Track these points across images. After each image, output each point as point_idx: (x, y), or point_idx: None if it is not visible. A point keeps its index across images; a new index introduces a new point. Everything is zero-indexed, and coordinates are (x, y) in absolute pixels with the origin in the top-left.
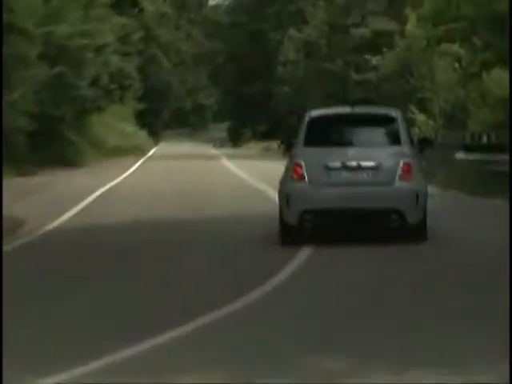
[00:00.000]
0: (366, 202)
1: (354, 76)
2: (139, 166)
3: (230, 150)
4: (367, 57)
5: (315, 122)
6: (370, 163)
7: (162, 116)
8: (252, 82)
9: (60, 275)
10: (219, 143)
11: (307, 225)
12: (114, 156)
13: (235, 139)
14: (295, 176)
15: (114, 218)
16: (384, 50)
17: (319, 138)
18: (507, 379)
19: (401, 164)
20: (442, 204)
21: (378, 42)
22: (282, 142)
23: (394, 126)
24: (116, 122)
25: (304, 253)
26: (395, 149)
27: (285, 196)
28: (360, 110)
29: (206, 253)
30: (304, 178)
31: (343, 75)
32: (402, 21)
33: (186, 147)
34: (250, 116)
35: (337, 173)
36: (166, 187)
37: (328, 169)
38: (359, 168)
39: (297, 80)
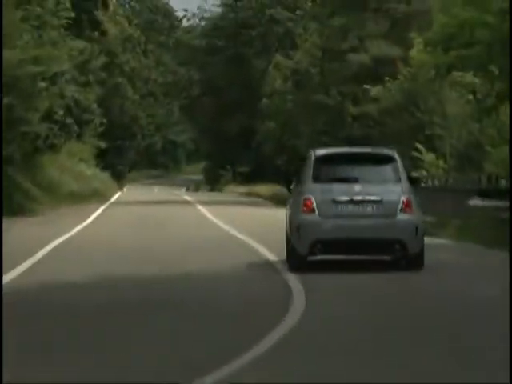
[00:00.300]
0: (371, 232)
1: (352, 109)
2: (99, 214)
3: (206, 195)
4: (366, 87)
5: (321, 160)
6: (374, 198)
7: (127, 155)
8: (232, 116)
9: (6, 346)
10: (194, 187)
11: (317, 253)
12: (71, 202)
13: (213, 182)
14: (306, 209)
15: (68, 277)
16: (386, 78)
17: (326, 175)
18: (507, 379)
19: (401, 199)
20: (456, 260)
21: (378, 70)
22: (288, 184)
23: (393, 165)
24: (73, 163)
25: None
26: (395, 185)
27: (296, 227)
28: (361, 149)
29: (174, 321)
30: (314, 210)
31: (338, 108)
32: (406, 45)
33: (155, 192)
34: (230, 155)
35: (344, 206)
36: (128, 240)
37: (336, 202)
38: (364, 202)
39: (284, 114)
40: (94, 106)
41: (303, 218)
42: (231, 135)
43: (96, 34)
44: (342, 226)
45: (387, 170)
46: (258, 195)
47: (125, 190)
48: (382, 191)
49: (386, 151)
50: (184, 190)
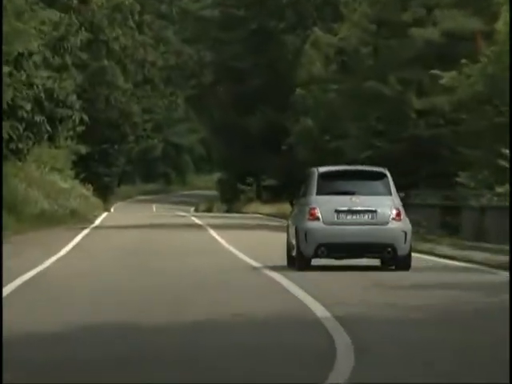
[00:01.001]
0: (367, 238)
1: (415, 102)
2: (78, 242)
3: (222, 218)
4: (435, 72)
5: (324, 176)
6: (370, 208)
7: (116, 164)
8: (255, 110)
9: None
10: (206, 206)
11: (321, 255)
12: (41, 225)
13: (231, 200)
14: (311, 217)
15: (35, 325)
16: (462, 61)
17: (328, 189)
18: (507, 379)
19: (393, 209)
20: None
21: (451, 50)
22: (291, 203)
23: (385, 181)
24: (44, 174)
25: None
26: (387, 198)
27: (303, 233)
28: (357, 167)
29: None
30: (319, 218)
31: (398, 101)
32: (490, 16)
33: (153, 212)
34: (253, 164)
35: (344, 215)
36: (116, 279)
37: (337, 212)
38: (361, 212)
39: (325, 108)
40: (73, 97)
41: (309, 224)
42: (254, 136)
43: (75, 0)
44: (342, 232)
45: (380, 184)
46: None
47: (112, 209)
48: (376, 203)
49: (378, 169)
50: (192, 209)
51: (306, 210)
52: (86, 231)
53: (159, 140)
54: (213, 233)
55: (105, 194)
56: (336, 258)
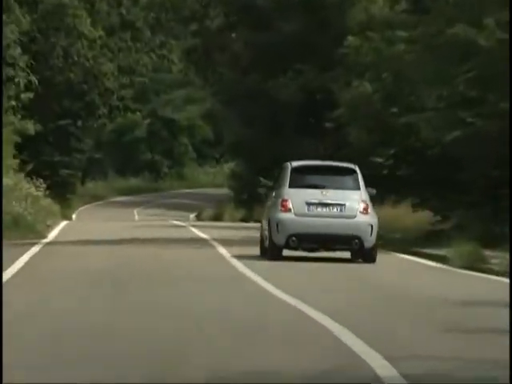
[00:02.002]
0: (335, 229)
1: None
2: (22, 268)
3: (235, 230)
4: None
5: (296, 170)
6: (339, 202)
7: (79, 149)
8: (286, 70)
9: None
10: (213, 211)
11: (292, 245)
12: None
13: (248, 202)
14: (283, 209)
15: None
16: None
17: (300, 182)
18: (507, 379)
19: (361, 203)
20: None
21: None
22: (261, 187)
23: (354, 176)
24: None
25: None
26: (356, 192)
27: (275, 223)
28: (329, 163)
29: None
30: (290, 210)
31: (498, 54)
32: None
33: (133, 221)
34: (282, 149)
35: (314, 207)
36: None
37: (308, 204)
38: (331, 205)
39: (390, 65)
40: (16, 50)
41: (281, 216)
42: (284, 108)
43: None
44: (312, 223)
45: (350, 179)
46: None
47: (75, 216)
48: (345, 196)
49: (349, 165)
50: (192, 216)
51: (278, 201)
52: (34, 249)
53: (144, 114)
54: (224, 252)
55: (63, 194)
56: (307, 250)
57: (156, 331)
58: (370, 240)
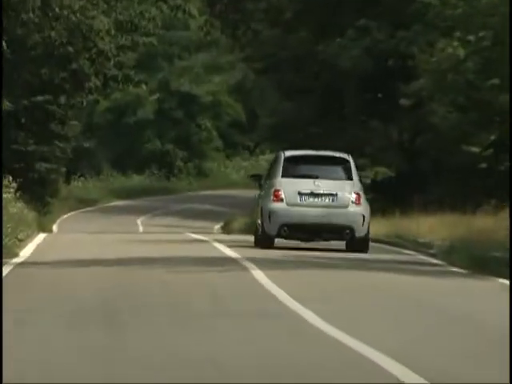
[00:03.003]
0: (327, 219)
1: None
2: None
3: (280, 248)
4: None
5: (289, 160)
6: (331, 192)
7: (62, 136)
8: (345, 28)
9: None
10: (244, 220)
11: (284, 235)
12: None
13: None
14: (275, 198)
15: None
16: None
17: (293, 172)
18: (507, 379)
19: (353, 193)
20: None
21: None
22: (251, 176)
23: (347, 166)
24: None
25: None
26: (349, 182)
27: (267, 213)
28: (322, 152)
29: None
30: (283, 200)
31: None
32: None
33: (136, 234)
34: (343, 134)
35: (307, 197)
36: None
37: (300, 194)
38: (323, 195)
39: (498, 23)
40: None
41: (273, 205)
42: (343, 78)
43: None
44: (304, 213)
45: (342, 170)
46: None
47: (56, 228)
48: (338, 187)
49: (342, 155)
50: (217, 228)
51: (271, 191)
52: (2, 271)
53: (151, 88)
54: (261, 277)
55: (41, 197)
56: (299, 240)
57: None
58: (361, 230)
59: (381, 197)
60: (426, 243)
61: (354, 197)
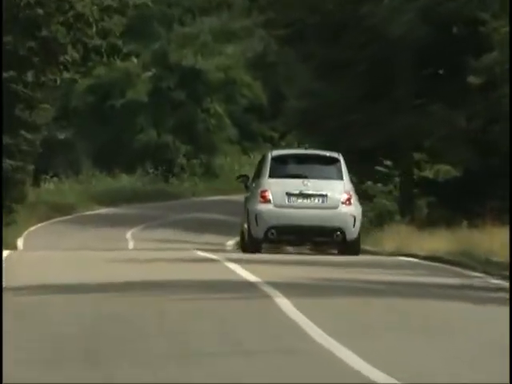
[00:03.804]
0: (316, 221)
1: None
2: None
3: (304, 267)
4: None
5: (277, 159)
6: (321, 192)
7: (27, 124)
8: None
9: None
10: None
11: (272, 238)
12: None
13: None
14: (262, 200)
15: None
16: None
17: (280, 172)
18: (507, 379)
19: (343, 194)
20: None
21: None
22: (238, 178)
23: (337, 166)
24: None
25: None
26: (339, 182)
27: (254, 215)
28: (311, 151)
29: None
30: (270, 201)
31: None
32: None
33: (126, 252)
34: (396, 120)
35: (295, 198)
36: None
37: (289, 195)
38: (312, 195)
39: None
40: None
41: (260, 207)
42: (394, 49)
43: None
44: (293, 215)
45: (332, 169)
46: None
47: (21, 243)
48: (328, 187)
49: (331, 153)
50: (231, 244)
51: (257, 192)
52: None
53: (145, 62)
54: (286, 306)
55: (2, 204)
56: (287, 243)
57: None
58: (352, 232)
59: (443, 203)
60: (500, 263)
61: (344, 197)
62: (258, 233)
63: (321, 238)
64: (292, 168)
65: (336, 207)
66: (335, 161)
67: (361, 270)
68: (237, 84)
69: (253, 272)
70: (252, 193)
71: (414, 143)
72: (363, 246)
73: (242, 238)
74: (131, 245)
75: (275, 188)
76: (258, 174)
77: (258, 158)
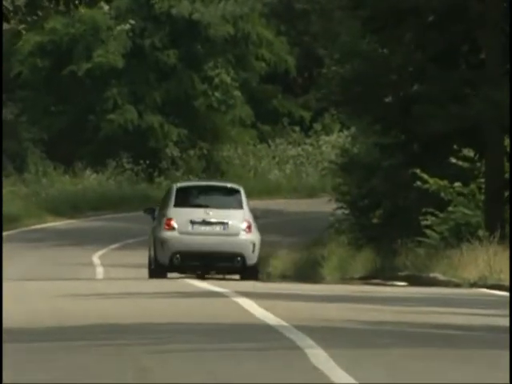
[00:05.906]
0: (219, 247)
1: None
2: None
3: (347, 305)
4: None
5: (181, 190)
6: (222, 220)
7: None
8: None
9: None
10: (300, 247)
11: (176, 263)
12: None
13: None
14: (167, 227)
15: None
16: None
17: (185, 202)
18: (507, 379)
19: (244, 222)
20: None
21: None
22: (145, 211)
23: (238, 196)
24: None
25: None
26: (239, 211)
27: (160, 242)
28: (213, 182)
29: None
30: (174, 228)
31: None
32: None
33: (92, 286)
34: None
35: (199, 225)
36: None
37: (192, 223)
38: (214, 223)
39: None
40: None
41: (165, 234)
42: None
43: None
44: (196, 241)
45: (233, 199)
46: None
47: None
48: (229, 215)
49: (232, 185)
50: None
51: (163, 220)
52: None
53: (121, 10)
54: (325, 359)
55: None
56: (192, 270)
57: None
58: (252, 257)
59: None
60: None
61: (244, 225)
62: (164, 258)
63: (222, 264)
64: (195, 198)
65: (237, 234)
66: (235, 192)
67: (428, 310)
68: (251, 42)
69: (275, 312)
70: (158, 221)
71: (505, 126)
72: (433, 274)
73: (150, 265)
74: (99, 272)
75: (180, 216)
76: (164, 205)
77: (283, 146)
